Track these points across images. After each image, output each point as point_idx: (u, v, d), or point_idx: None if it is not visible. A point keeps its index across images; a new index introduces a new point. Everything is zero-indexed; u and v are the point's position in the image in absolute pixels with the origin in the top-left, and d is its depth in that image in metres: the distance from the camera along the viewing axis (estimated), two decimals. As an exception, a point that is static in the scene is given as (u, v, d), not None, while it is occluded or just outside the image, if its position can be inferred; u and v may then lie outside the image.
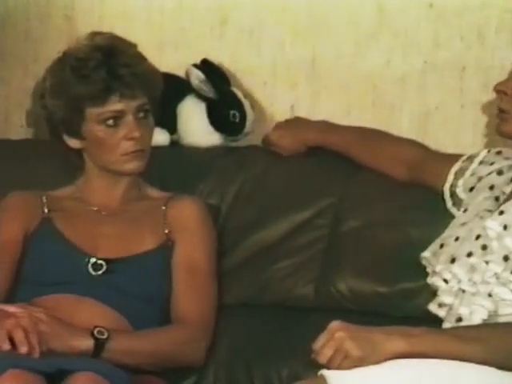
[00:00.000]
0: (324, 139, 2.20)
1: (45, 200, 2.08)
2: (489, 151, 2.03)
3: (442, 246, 1.91)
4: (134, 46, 2.07)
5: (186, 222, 2.06)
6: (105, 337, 1.89)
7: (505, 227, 1.80)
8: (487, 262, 1.80)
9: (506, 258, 1.79)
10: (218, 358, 2.06)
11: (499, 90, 1.87)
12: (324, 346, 1.67)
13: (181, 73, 2.34)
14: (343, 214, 2.14)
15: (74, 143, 2.07)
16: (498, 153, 2.01)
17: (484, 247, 1.82)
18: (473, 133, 2.24)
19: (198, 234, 2.06)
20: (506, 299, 1.78)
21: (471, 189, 1.99)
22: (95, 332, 1.89)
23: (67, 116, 2.03)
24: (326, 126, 2.22)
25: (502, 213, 1.82)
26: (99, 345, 1.89)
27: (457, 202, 2.02)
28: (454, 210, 2.02)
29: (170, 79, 2.22)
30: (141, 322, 1.98)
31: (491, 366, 1.66)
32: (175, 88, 2.28)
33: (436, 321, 1.88)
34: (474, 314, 1.80)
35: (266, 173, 2.22)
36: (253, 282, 2.15)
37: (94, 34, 2.06)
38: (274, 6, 2.35)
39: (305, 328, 2.01)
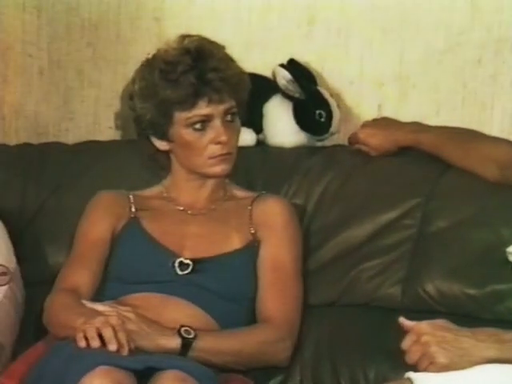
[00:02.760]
0: (415, 139, 2.18)
1: (132, 199, 2.11)
2: None
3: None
4: (222, 48, 2.08)
5: (272, 221, 2.07)
6: (192, 336, 1.91)
7: None
8: None
9: None
10: (305, 358, 2.07)
11: None
12: (410, 348, 1.64)
13: (267, 73, 2.34)
14: (431, 214, 2.12)
15: (161, 145, 2.09)
16: None
17: None
18: None
19: (283, 233, 2.07)
20: None
21: None
22: (182, 331, 1.92)
23: (155, 119, 2.05)
24: (417, 126, 2.20)
25: None
26: (186, 344, 1.91)
27: (549, 201, 1.98)
28: (545, 210, 1.98)
29: (256, 79, 2.23)
30: (227, 321, 2.00)
31: None
32: (262, 88, 2.29)
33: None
34: None
35: (352, 172, 2.21)
36: (339, 282, 2.14)
37: (183, 37, 2.08)
38: (362, 5, 2.34)
39: (392, 329, 1.98)
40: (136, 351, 1.87)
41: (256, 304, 2.03)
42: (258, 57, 2.37)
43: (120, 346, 1.83)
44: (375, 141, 2.22)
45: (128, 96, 2.13)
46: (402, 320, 1.68)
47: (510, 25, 2.23)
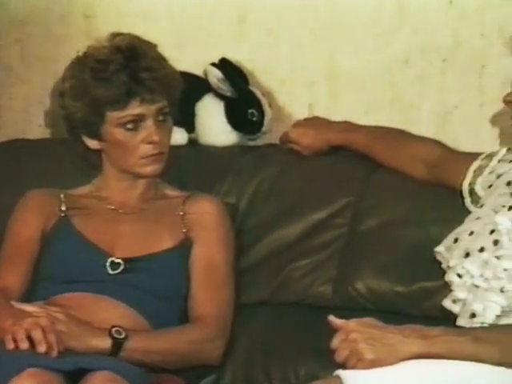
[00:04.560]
0: (346, 139, 2.20)
1: (63, 198, 2.09)
2: (508, 149, 2.02)
3: (456, 240, 1.90)
4: (154, 46, 2.07)
5: (204, 221, 2.07)
6: (122, 336, 1.90)
7: None
8: (498, 258, 1.79)
9: None
10: (236, 357, 2.07)
11: (509, 100, 1.86)
12: (339, 346, 1.67)
13: (199, 72, 2.34)
14: (362, 213, 2.14)
15: (93, 144, 2.07)
16: (518, 150, 2.01)
17: (496, 242, 1.81)
18: (492, 131, 2.23)
19: (215, 233, 2.07)
20: None
21: (489, 186, 1.99)
22: (113, 331, 1.91)
23: (87, 117, 2.03)
24: (347, 126, 2.22)
25: (511, 208, 1.81)
26: (117, 344, 1.90)
27: (475, 199, 2.01)
28: (472, 208, 2.01)
29: (188, 78, 2.22)
30: (159, 320, 1.99)
31: (508, 368, 1.65)
32: (194, 87, 2.28)
33: (454, 319, 1.88)
34: (488, 309, 1.79)
35: (284, 172, 2.22)
36: (270, 280, 2.15)
37: (114, 35, 2.06)
38: (293, 5, 2.35)
39: (323, 327, 2.00)
40: (66, 352, 1.85)
41: (188, 303, 2.02)
42: (189, 56, 2.36)
43: (49, 347, 1.82)
44: (306, 140, 2.23)
45: (58, 94, 2.11)
46: (331, 318, 1.70)
47: (436, 26, 2.26)
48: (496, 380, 1.64)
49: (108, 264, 2.02)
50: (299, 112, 2.34)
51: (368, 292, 2.08)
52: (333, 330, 1.71)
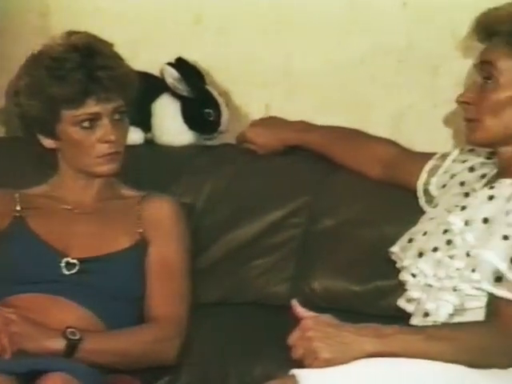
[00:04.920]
0: (302, 138, 2.21)
1: (18, 198, 2.08)
2: (462, 149, 2.04)
3: (410, 240, 1.92)
4: (110, 45, 2.06)
5: (160, 220, 2.07)
6: (77, 337, 1.89)
7: (466, 223, 1.80)
8: (451, 257, 1.81)
9: (467, 255, 1.80)
10: (193, 357, 2.07)
11: (461, 102, 1.88)
12: (295, 344, 1.67)
13: (155, 71, 2.34)
14: (318, 213, 2.15)
15: (48, 143, 2.06)
16: (471, 150, 2.02)
17: (449, 242, 1.83)
18: (446, 131, 2.25)
19: (171, 232, 2.07)
20: (470, 294, 1.79)
21: (443, 186, 2.01)
22: (67, 333, 1.89)
23: (42, 116, 2.02)
24: (303, 126, 2.23)
25: (464, 208, 1.83)
26: (71, 346, 1.89)
27: (429, 199, 2.03)
28: (426, 207, 2.03)
29: (144, 77, 2.21)
30: (115, 321, 1.98)
31: (460, 365, 1.67)
32: (150, 86, 2.27)
33: (409, 318, 1.89)
34: (440, 308, 1.81)
35: (241, 171, 2.22)
36: (227, 280, 2.15)
37: (70, 34, 2.05)
38: (248, 5, 2.35)
39: (279, 326, 2.01)
40: (20, 354, 1.84)
41: (144, 303, 2.02)
42: (145, 55, 2.35)
43: (2, 349, 1.81)
44: (263, 140, 2.24)
45: (13, 92, 2.09)
46: (294, 303, 1.70)
47: (390, 27, 2.27)
48: (448, 376, 1.66)
49: (63, 264, 2.00)
50: (255, 112, 2.34)
51: (324, 291, 2.09)
52: (292, 316, 1.70)
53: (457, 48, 2.20)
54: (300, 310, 1.70)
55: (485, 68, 1.84)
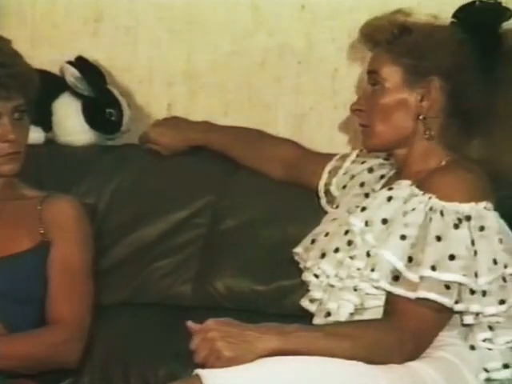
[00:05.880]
0: (205, 139, 2.21)
1: None
2: (361, 150, 2.07)
3: (313, 241, 1.94)
4: (8, 42, 2.03)
5: (61, 222, 2.03)
6: (-24, 342, 1.85)
7: (366, 223, 1.83)
8: (352, 258, 1.84)
9: (368, 254, 1.83)
10: (95, 359, 2.05)
11: (354, 109, 1.92)
12: (198, 346, 1.67)
13: (55, 70, 2.30)
14: (221, 213, 2.16)
15: None
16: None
17: (350, 242, 1.85)
18: (345, 133, 2.28)
19: (73, 233, 2.04)
20: (370, 293, 1.82)
21: (344, 187, 2.04)
22: (-33, 337, 1.85)
23: None
24: (206, 126, 2.23)
25: (364, 209, 1.86)
26: (-29, 350, 1.85)
27: (331, 199, 2.06)
28: (328, 208, 2.06)
29: (44, 76, 2.18)
30: (16, 324, 1.94)
31: (360, 361, 1.70)
32: (50, 85, 2.24)
33: (312, 317, 1.92)
34: (341, 308, 1.83)
35: (144, 172, 2.21)
36: (131, 281, 2.14)
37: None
38: (149, 4, 2.34)
39: (183, 327, 2.00)
40: None
41: (46, 305, 1.99)
42: (44, 53, 2.32)
43: None
44: (165, 140, 2.23)
45: None
46: (190, 324, 1.70)
47: (290, 30, 2.30)
48: (347, 372, 1.68)
49: (-38, 266, 1.96)
50: (158, 112, 2.34)
51: (227, 291, 2.10)
52: (191, 335, 1.71)
53: (353, 51, 2.23)
54: (197, 326, 1.70)
55: (372, 76, 1.89)
